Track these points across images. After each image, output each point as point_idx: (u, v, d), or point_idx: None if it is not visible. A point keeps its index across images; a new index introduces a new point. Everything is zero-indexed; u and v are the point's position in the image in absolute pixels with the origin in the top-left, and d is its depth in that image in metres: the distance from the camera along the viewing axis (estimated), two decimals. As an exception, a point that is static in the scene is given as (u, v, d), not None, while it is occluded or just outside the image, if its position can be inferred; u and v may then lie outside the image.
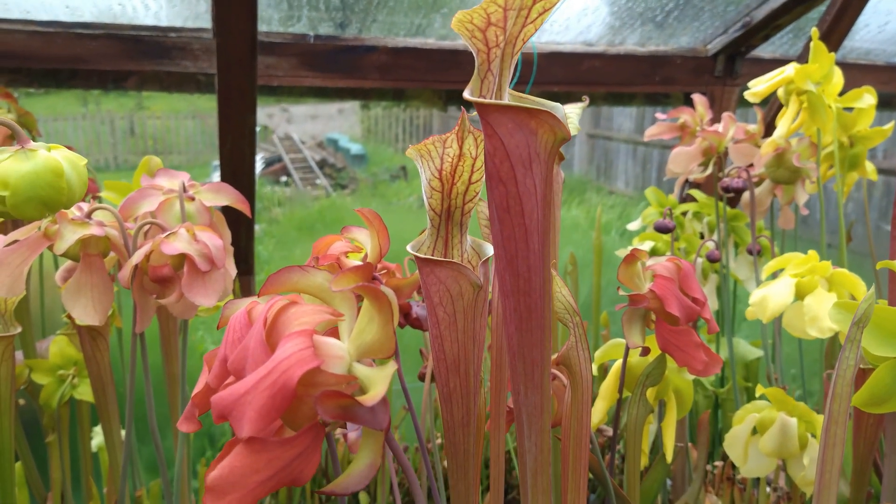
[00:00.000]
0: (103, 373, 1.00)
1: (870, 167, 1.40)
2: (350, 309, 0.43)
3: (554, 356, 0.67)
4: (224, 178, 1.40)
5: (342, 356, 0.40)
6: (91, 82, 1.44)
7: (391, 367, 0.39)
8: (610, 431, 1.13)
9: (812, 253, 0.94)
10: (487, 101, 0.43)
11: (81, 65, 1.39)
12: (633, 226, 1.69)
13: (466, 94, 0.44)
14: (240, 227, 1.49)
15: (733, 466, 1.23)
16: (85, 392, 1.11)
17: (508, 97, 0.47)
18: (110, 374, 1.02)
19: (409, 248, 0.56)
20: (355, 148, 11.02)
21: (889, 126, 1.34)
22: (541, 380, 0.50)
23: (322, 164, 10.27)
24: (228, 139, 1.37)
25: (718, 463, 1.27)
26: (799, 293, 0.93)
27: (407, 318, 1.07)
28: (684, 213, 1.65)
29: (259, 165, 9.09)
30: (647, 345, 0.82)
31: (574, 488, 0.64)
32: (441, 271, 0.53)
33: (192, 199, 0.87)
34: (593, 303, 1.86)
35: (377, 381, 0.38)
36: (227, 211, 1.27)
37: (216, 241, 0.75)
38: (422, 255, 0.53)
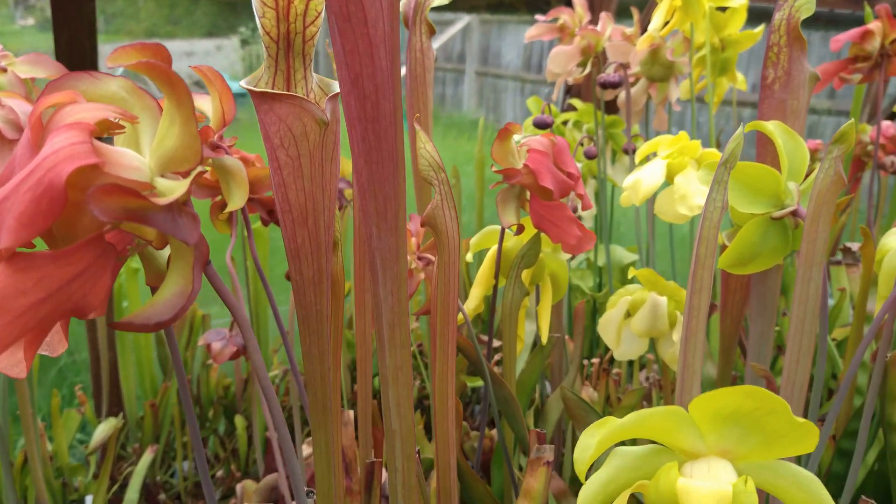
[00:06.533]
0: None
1: (739, 76, 1.43)
2: (151, 119, 0.35)
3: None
4: (62, 76, 1.24)
5: (138, 167, 0.33)
6: None
7: (195, 172, 0.32)
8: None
9: (682, 133, 0.94)
10: None
11: None
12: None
13: None
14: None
15: (611, 361, 1.26)
16: None
17: None
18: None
19: (242, 83, 0.48)
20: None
21: (759, 29, 1.36)
22: (395, 220, 0.45)
23: (200, 102, 9.69)
24: (65, 31, 1.20)
25: (595, 361, 1.29)
26: (670, 174, 0.92)
27: (271, 214, 0.99)
28: (565, 123, 1.64)
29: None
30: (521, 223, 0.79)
31: (442, 358, 0.60)
32: (281, 107, 0.46)
33: (5, 70, 0.75)
34: (476, 220, 1.84)
35: (178, 187, 0.31)
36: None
37: (25, 108, 0.64)
38: (257, 89, 0.46)
